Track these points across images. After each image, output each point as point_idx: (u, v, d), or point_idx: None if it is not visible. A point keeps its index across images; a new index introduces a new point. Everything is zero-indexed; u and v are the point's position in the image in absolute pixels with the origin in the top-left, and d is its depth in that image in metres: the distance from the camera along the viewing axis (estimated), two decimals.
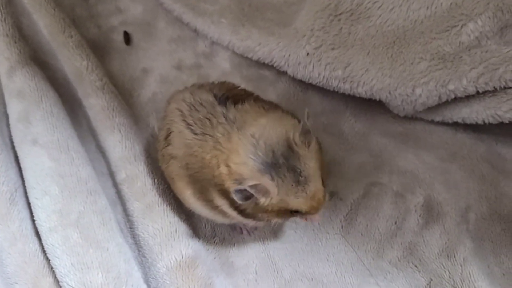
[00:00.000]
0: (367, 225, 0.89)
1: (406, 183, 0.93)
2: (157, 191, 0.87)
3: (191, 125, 0.74)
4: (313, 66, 0.94)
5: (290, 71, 0.98)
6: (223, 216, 0.77)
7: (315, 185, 0.68)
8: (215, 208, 0.75)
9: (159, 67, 1.05)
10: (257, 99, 0.79)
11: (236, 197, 0.66)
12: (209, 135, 0.72)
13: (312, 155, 0.68)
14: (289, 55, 0.96)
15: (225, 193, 0.70)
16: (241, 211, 0.72)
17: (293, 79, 1.01)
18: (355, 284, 0.85)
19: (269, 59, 0.99)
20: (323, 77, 0.93)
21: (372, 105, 1.00)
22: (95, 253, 0.79)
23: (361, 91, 0.92)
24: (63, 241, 0.79)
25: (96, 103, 0.93)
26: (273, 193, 0.67)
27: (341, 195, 0.93)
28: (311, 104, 1.01)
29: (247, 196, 0.66)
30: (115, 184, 0.90)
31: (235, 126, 0.71)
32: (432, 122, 0.98)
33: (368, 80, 0.91)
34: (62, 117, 0.91)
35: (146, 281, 0.83)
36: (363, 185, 0.93)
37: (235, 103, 0.75)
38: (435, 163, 0.95)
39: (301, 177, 0.67)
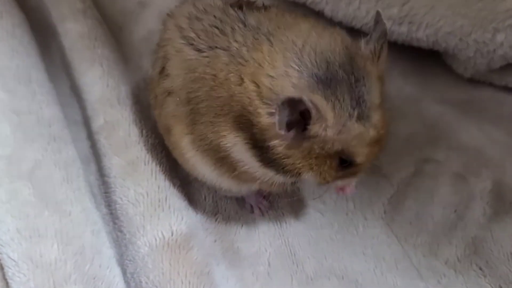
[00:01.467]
0: (417, 212, 0.70)
1: (469, 163, 0.75)
2: (144, 144, 0.67)
3: (192, 40, 0.55)
4: (360, 1, 0.75)
5: (328, 9, 0.79)
6: (231, 174, 0.57)
7: (381, 122, 0.49)
8: (222, 158, 0.55)
9: (159, 0, 0.85)
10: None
11: (279, 116, 0.47)
12: (221, 48, 0.53)
13: (382, 74, 0.50)
14: None
15: (244, 124, 0.51)
16: (264, 154, 0.51)
17: (331, 23, 0.81)
18: (399, 287, 0.65)
19: None
20: (373, 16, 0.72)
21: (427, 62, 0.82)
22: (51, 218, 0.59)
23: (422, 35, 0.74)
24: (8, 198, 0.59)
25: (74, 28, 0.75)
26: (328, 120, 0.47)
27: (385, 172, 0.73)
28: None
29: (291, 122, 0.47)
30: (91, 135, 0.69)
31: (261, 33, 0.53)
32: (505, 88, 0.81)
33: (434, 21, 0.72)
34: (26, 41, 0.72)
35: (121, 264, 0.62)
36: (414, 162, 0.75)
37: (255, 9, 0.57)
38: (507, 140, 0.78)
39: (365, 106, 0.48)
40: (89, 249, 0.58)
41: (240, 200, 0.70)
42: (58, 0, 0.77)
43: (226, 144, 0.53)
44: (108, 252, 0.60)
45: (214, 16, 0.56)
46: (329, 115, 0.47)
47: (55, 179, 0.61)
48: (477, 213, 0.70)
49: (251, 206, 0.69)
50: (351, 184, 0.58)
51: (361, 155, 0.51)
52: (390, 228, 0.69)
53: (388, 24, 0.73)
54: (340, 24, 0.79)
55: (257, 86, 0.49)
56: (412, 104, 0.80)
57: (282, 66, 0.49)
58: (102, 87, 0.69)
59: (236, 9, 0.56)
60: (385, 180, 0.73)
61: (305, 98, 0.45)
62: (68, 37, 0.75)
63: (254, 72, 0.50)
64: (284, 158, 0.51)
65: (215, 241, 0.66)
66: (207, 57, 0.54)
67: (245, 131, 0.51)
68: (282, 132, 0.48)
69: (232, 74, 0.52)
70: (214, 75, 0.53)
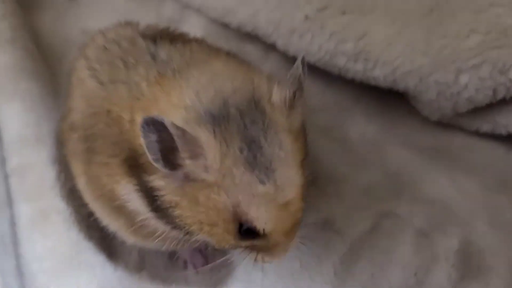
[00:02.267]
0: (372, 275, 0.62)
1: (434, 218, 0.67)
2: (60, 190, 0.60)
3: (95, 71, 0.51)
4: (312, 35, 0.69)
5: (280, 43, 0.73)
6: (129, 228, 0.50)
7: (289, 179, 0.42)
8: (118, 208, 0.49)
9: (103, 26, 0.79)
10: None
11: (145, 140, 0.40)
12: (121, 82, 0.49)
13: (295, 128, 0.43)
14: (281, 19, 0.71)
15: (134, 167, 0.45)
16: (154, 202, 0.44)
17: (285, 56, 0.76)
18: None
19: (253, 25, 0.75)
20: (326, 52, 0.68)
21: (392, 102, 0.75)
22: None
23: (379, 74, 0.67)
24: None
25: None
26: (208, 158, 0.41)
27: (338, 226, 0.65)
28: (308, 96, 0.72)
29: (164, 154, 0.41)
30: (6, 177, 0.62)
31: (169, 68, 0.48)
32: (476, 133, 0.73)
33: (391, 58, 0.66)
34: None
35: None
36: (371, 215, 0.67)
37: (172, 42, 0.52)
38: (478, 193, 0.70)
39: (261, 155, 0.41)
40: None
41: (172, 254, 0.62)
42: None
43: (121, 191, 0.46)
44: None
45: (121, 47, 0.51)
46: (210, 151, 0.40)
47: None
48: (441, 277, 0.62)
49: (184, 262, 0.61)
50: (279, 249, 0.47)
51: (263, 221, 0.42)
52: None
53: (342, 61, 0.68)
54: (294, 59, 0.73)
55: None
56: (374, 149, 0.73)
57: (176, 100, 0.44)
58: (20, 124, 0.63)
59: (147, 40, 0.51)
60: (337, 236, 0.64)
61: (166, 120, 0.39)
62: None
63: (146, 107, 0.44)
64: (172, 207, 0.43)
65: None
66: (106, 90, 0.49)
67: (135, 175, 0.45)
68: (157, 164, 0.40)
69: (125, 110, 0.46)
70: (109, 111, 0.47)
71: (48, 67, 0.74)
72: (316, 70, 0.74)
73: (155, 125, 0.39)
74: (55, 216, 0.58)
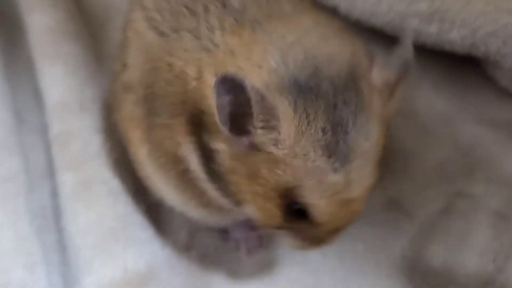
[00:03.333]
0: (446, 260, 0.57)
1: None
2: (105, 160, 0.55)
3: (155, 22, 0.45)
4: None
5: (343, 5, 0.67)
6: (195, 198, 0.46)
7: (363, 175, 0.38)
8: (181, 174, 0.44)
9: None
10: None
11: (217, 100, 0.35)
12: (187, 30, 0.43)
13: (387, 117, 0.39)
14: None
15: (195, 127, 0.40)
16: (211, 164, 0.40)
17: (347, 24, 0.67)
18: None
19: None
20: (396, 13, 0.62)
21: (463, 72, 0.69)
22: None
23: (456, 37, 0.60)
24: None
25: (41, 21, 0.65)
26: (282, 132, 0.36)
27: (406, 207, 0.60)
28: None
29: (235, 118, 0.36)
30: (48, 146, 0.58)
31: (246, 17, 0.41)
32: None
33: (470, 18, 0.59)
34: None
35: None
36: (443, 196, 0.61)
37: None
38: None
39: (344, 142, 0.36)
40: (15, 286, 0.47)
41: (223, 233, 0.57)
42: None
43: (183, 153, 0.42)
44: None
45: None
46: (286, 125, 0.35)
47: None
48: None
49: (237, 242, 0.56)
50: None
51: (320, 210, 0.38)
52: (408, 279, 0.55)
53: (414, 23, 0.62)
54: (358, 24, 0.67)
55: None
56: (445, 124, 0.67)
57: (258, 58, 0.37)
58: (63, 89, 0.59)
59: None
60: (406, 218, 0.59)
61: (247, 82, 0.33)
62: (33, 31, 0.65)
63: (222, 61, 0.39)
64: (229, 172, 0.39)
65: (184, 282, 0.53)
66: (168, 41, 0.43)
67: (196, 133, 0.40)
68: (224, 127, 0.36)
69: (190, 65, 0.40)
70: (171, 65, 0.42)
71: (90, 32, 0.70)
72: (381, 36, 0.67)
73: (232, 85, 0.34)
74: (99, 187, 0.53)
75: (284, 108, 0.35)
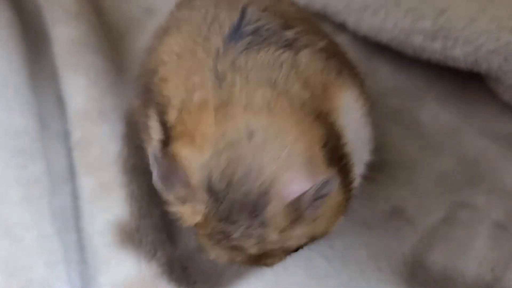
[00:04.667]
0: (445, 268, 0.57)
1: None
2: (123, 165, 0.58)
3: None
4: (386, 12, 0.64)
5: (351, 21, 0.68)
6: None
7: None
8: None
9: (168, 9, 0.78)
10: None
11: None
12: None
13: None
14: None
15: None
16: None
17: (355, 38, 0.71)
18: None
19: (324, 2, 0.70)
20: (401, 30, 0.63)
21: (468, 87, 0.69)
22: (0, 242, 0.51)
23: (459, 53, 0.61)
24: None
25: (64, 34, 0.68)
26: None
27: (409, 215, 0.61)
28: (378, 79, 0.71)
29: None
30: (69, 151, 0.61)
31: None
32: None
33: (474, 36, 0.59)
34: (12, 45, 0.65)
35: None
36: (445, 205, 0.62)
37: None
38: None
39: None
40: (38, 283, 0.50)
41: None
42: (53, 3, 0.71)
43: None
44: None
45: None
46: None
47: (12, 198, 0.53)
48: None
49: None
50: None
51: None
52: (409, 286, 0.56)
53: (419, 39, 0.63)
54: (364, 39, 0.69)
55: None
56: (449, 136, 0.67)
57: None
58: (84, 98, 0.62)
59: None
60: (408, 226, 0.60)
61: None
62: (57, 43, 0.68)
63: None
64: None
65: (195, 283, 0.56)
66: None
67: None
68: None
69: None
70: None
71: (111, 43, 0.73)
72: (388, 51, 0.69)
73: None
74: (117, 190, 0.56)
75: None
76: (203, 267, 0.57)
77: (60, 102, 0.67)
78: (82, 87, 0.62)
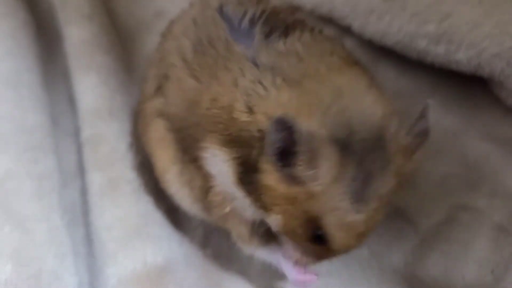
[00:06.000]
0: (446, 268, 0.58)
1: None
2: (131, 162, 0.60)
3: (195, 72, 0.51)
4: (392, 17, 0.65)
5: (356, 25, 0.70)
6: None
7: (375, 214, 0.44)
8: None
9: (177, 11, 0.80)
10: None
11: (269, 136, 0.41)
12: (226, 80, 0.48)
13: (405, 172, 0.45)
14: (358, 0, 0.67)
15: (238, 142, 0.46)
16: (249, 175, 0.45)
17: (360, 41, 0.72)
18: None
19: (330, 6, 0.71)
20: (406, 33, 0.64)
21: (471, 91, 0.70)
22: (11, 234, 0.52)
23: (462, 57, 0.62)
24: None
25: (77, 34, 0.70)
26: (324, 172, 0.41)
27: (411, 216, 0.62)
28: (382, 82, 0.70)
29: (287, 147, 0.41)
30: (79, 147, 0.63)
31: (278, 75, 0.46)
32: None
33: (477, 40, 0.61)
34: (26, 44, 0.67)
35: None
36: (447, 207, 0.63)
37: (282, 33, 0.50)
38: None
39: (369, 193, 0.42)
40: (47, 274, 0.51)
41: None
42: (67, 4, 0.73)
43: (204, 155, 0.48)
44: (70, 279, 0.53)
45: (218, 52, 0.50)
46: (324, 168, 0.41)
47: (24, 192, 0.54)
48: None
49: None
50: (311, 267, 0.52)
51: (338, 241, 0.44)
52: (409, 286, 0.57)
53: (423, 43, 0.64)
54: (369, 43, 0.71)
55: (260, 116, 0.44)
56: (452, 139, 0.68)
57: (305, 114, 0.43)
58: (95, 97, 0.64)
59: (243, 47, 0.49)
60: (410, 226, 0.61)
61: (298, 126, 0.40)
62: (70, 42, 0.70)
63: (272, 106, 0.44)
64: (265, 188, 0.44)
65: (199, 278, 0.57)
66: (207, 86, 0.49)
67: (233, 147, 0.46)
68: (271, 158, 0.42)
69: (237, 101, 0.46)
70: (215, 99, 0.48)
71: (121, 44, 0.75)
72: (393, 54, 0.71)
73: (285, 125, 0.40)
74: (125, 186, 0.57)
75: (324, 155, 0.40)
76: (206, 263, 0.59)
77: (71, 101, 0.69)
78: (93, 86, 0.64)
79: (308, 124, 0.41)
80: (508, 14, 0.61)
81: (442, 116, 0.70)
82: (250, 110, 0.45)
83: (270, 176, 0.43)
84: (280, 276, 0.58)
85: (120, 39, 0.76)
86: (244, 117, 0.45)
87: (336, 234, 0.43)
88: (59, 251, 0.53)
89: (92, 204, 0.57)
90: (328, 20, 0.73)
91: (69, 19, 0.72)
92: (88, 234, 0.58)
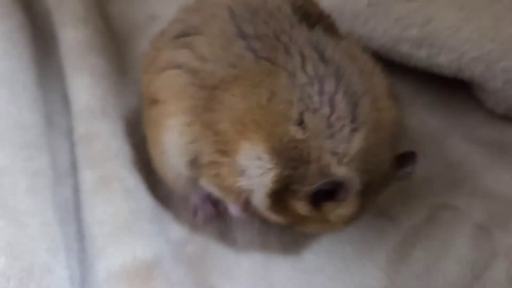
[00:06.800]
0: (427, 266, 0.60)
1: (495, 213, 0.64)
2: (123, 160, 0.61)
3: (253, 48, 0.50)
4: (376, 21, 0.67)
5: (343, 30, 0.69)
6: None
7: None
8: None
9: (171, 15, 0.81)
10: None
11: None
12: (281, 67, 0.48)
13: None
14: (345, 4, 0.70)
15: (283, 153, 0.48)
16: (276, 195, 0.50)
17: None
18: None
19: None
20: (390, 37, 0.66)
21: (454, 95, 0.73)
22: (6, 228, 0.53)
23: (444, 61, 0.64)
24: None
25: (71, 36, 0.72)
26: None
27: (393, 214, 0.64)
28: None
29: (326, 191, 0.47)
30: (72, 146, 0.65)
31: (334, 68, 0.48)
32: None
33: (457, 44, 0.63)
34: (22, 44, 0.69)
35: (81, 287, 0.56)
36: (428, 205, 0.65)
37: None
38: None
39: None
40: (40, 267, 0.52)
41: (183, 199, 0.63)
42: (62, 6, 0.75)
43: (244, 149, 0.49)
44: (62, 273, 0.54)
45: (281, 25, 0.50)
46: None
47: (19, 188, 0.56)
48: (499, 273, 0.59)
49: (195, 208, 0.62)
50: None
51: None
52: (391, 282, 0.59)
53: (406, 47, 0.66)
54: None
55: None
56: (435, 141, 0.70)
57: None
58: (88, 96, 0.65)
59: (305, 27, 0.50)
60: (392, 224, 0.63)
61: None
62: (64, 44, 0.72)
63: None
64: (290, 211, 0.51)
65: (186, 274, 0.59)
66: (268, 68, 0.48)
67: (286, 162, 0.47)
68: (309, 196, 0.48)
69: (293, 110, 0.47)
70: (274, 93, 0.47)
71: (115, 47, 0.77)
72: (380, 59, 0.71)
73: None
74: (116, 184, 0.59)
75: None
76: (193, 259, 0.60)
77: (65, 100, 0.71)
78: (86, 86, 0.66)
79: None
80: (487, 20, 0.63)
81: (426, 119, 0.72)
82: (303, 127, 0.46)
83: (300, 205, 0.48)
84: (266, 272, 0.60)
85: (114, 41, 0.78)
86: (299, 135, 0.46)
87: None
88: (52, 246, 0.55)
89: (84, 200, 0.59)
90: None
91: (65, 22, 0.74)
92: (80, 230, 0.60)
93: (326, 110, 0.46)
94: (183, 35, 0.54)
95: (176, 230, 0.62)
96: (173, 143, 0.53)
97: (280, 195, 0.49)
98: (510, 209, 0.64)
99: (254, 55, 0.49)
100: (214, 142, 0.49)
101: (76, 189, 0.63)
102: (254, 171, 0.48)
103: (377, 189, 0.50)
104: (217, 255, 0.61)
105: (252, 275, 0.59)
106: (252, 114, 0.47)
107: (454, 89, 0.72)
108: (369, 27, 0.68)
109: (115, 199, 0.58)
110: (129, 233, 0.56)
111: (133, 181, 0.60)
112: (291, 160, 0.46)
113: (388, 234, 0.62)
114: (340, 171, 0.45)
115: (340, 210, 0.48)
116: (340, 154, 0.46)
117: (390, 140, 0.49)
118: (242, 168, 0.48)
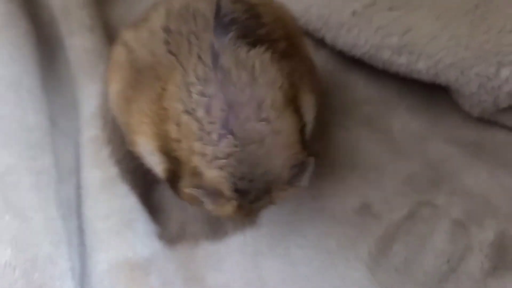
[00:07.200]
0: (406, 259, 0.63)
1: (472, 210, 0.67)
2: (127, 165, 0.66)
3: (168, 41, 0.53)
4: (359, 30, 0.70)
5: (329, 37, 0.75)
6: None
7: None
8: None
9: None
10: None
11: None
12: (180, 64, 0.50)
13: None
14: (330, 14, 0.73)
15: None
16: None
17: (333, 52, 0.78)
18: None
19: (305, 19, 0.77)
20: (372, 45, 0.70)
21: (435, 99, 0.76)
22: (11, 222, 0.57)
23: (422, 67, 0.68)
24: None
25: (80, 44, 0.75)
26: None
27: (375, 212, 0.67)
28: (354, 89, 0.77)
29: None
30: (78, 147, 0.69)
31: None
32: None
33: (434, 51, 0.66)
34: (27, 50, 0.72)
35: (81, 281, 0.60)
36: (409, 203, 0.68)
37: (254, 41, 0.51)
38: None
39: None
40: (43, 258, 0.56)
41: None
42: (69, 15, 0.78)
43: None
44: (64, 264, 0.58)
45: (197, 25, 0.52)
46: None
47: (23, 185, 0.60)
48: (473, 266, 0.62)
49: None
50: None
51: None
52: (373, 274, 0.62)
53: (387, 54, 0.70)
54: (341, 53, 0.76)
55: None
56: (417, 142, 0.73)
57: None
58: (100, 102, 0.69)
59: (218, 33, 0.50)
60: (374, 221, 0.66)
61: None
62: (73, 52, 0.75)
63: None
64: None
65: (177, 269, 0.62)
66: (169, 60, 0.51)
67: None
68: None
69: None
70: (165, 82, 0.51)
71: None
72: (361, 64, 0.76)
73: None
74: (120, 184, 0.64)
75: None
76: (183, 254, 0.64)
77: (69, 103, 0.74)
78: (97, 92, 0.70)
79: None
80: (463, 28, 0.67)
81: (408, 121, 0.75)
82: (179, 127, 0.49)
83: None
84: (255, 264, 0.64)
85: None
86: (174, 134, 0.49)
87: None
88: (54, 239, 0.59)
89: (90, 197, 0.63)
90: (304, 33, 0.78)
91: (72, 30, 0.77)
92: (80, 225, 0.64)
93: (200, 112, 0.47)
94: (141, 19, 0.59)
95: (165, 226, 0.65)
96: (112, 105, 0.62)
97: (174, 182, 0.54)
98: (486, 207, 0.67)
99: (166, 48, 0.52)
100: (126, 123, 0.58)
101: (78, 187, 0.67)
102: (150, 162, 0.56)
103: (266, 195, 0.51)
104: (207, 249, 0.64)
105: (241, 267, 0.63)
106: (148, 108, 0.52)
107: (434, 92, 0.75)
108: (353, 35, 0.72)
109: (119, 198, 0.63)
110: (130, 230, 0.61)
111: (134, 185, 0.65)
112: (172, 159, 0.50)
113: (370, 230, 0.65)
114: (209, 174, 0.48)
115: (217, 209, 0.51)
116: (208, 156, 0.47)
117: (282, 149, 0.50)
118: (143, 155, 0.56)
